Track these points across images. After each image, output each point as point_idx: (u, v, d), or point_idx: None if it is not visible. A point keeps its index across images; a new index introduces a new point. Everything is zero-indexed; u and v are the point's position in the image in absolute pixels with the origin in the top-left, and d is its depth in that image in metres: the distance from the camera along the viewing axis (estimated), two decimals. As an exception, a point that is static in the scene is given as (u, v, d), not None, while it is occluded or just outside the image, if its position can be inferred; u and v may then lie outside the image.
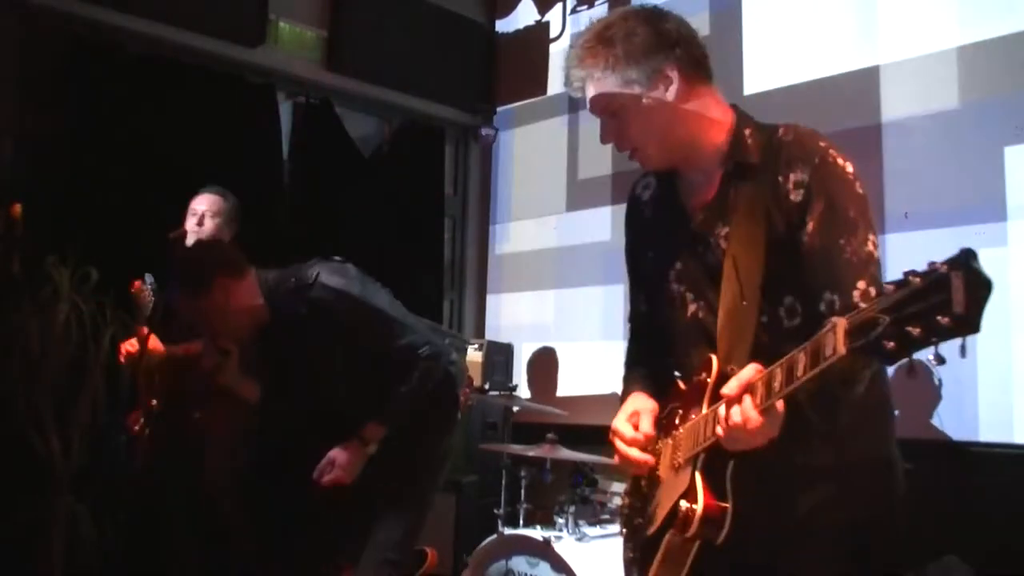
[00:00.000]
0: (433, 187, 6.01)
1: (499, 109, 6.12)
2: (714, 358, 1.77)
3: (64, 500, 3.94)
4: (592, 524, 3.96)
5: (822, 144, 1.77)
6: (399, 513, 3.03)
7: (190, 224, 3.92)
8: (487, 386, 4.88)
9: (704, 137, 1.85)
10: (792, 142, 1.79)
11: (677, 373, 1.93)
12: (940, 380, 3.79)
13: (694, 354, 1.86)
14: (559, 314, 5.52)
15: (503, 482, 4.07)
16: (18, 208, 4.18)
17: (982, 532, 3.51)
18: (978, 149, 3.84)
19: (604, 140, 1.92)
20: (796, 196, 1.74)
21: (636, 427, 1.90)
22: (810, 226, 1.72)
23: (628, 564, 1.97)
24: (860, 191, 1.74)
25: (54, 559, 3.91)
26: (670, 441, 1.84)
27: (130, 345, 3.54)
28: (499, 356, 5.16)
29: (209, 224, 3.91)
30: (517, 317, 5.76)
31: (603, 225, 5.28)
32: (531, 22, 5.99)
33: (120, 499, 4.12)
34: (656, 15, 1.86)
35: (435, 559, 4.33)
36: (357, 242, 5.24)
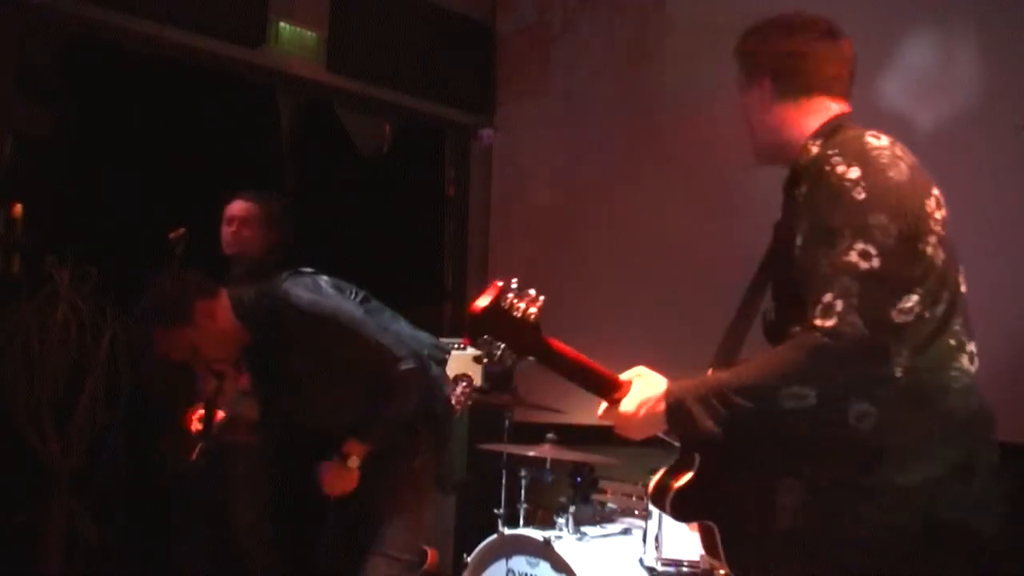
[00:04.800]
0: (433, 187, 6.00)
1: (499, 109, 6.11)
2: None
3: (63, 500, 3.95)
4: (592, 524, 3.96)
5: (829, 152, 1.78)
6: (404, 515, 3.02)
7: (226, 232, 3.95)
8: (487, 386, 4.87)
9: (788, 147, 1.94)
10: (813, 156, 1.84)
11: None
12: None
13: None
14: (560, 314, 5.50)
15: (503, 482, 4.07)
16: (18, 208, 4.19)
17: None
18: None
19: None
20: (801, 210, 1.79)
21: None
22: (798, 239, 1.77)
23: None
24: (859, 196, 1.70)
25: (54, 559, 3.91)
26: None
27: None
28: (499, 356, 5.15)
29: (245, 232, 3.93)
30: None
31: (605, 224, 5.28)
32: (531, 22, 5.98)
33: (120, 499, 4.13)
34: (771, 30, 1.99)
35: (435, 559, 4.33)
36: (357, 243, 5.24)
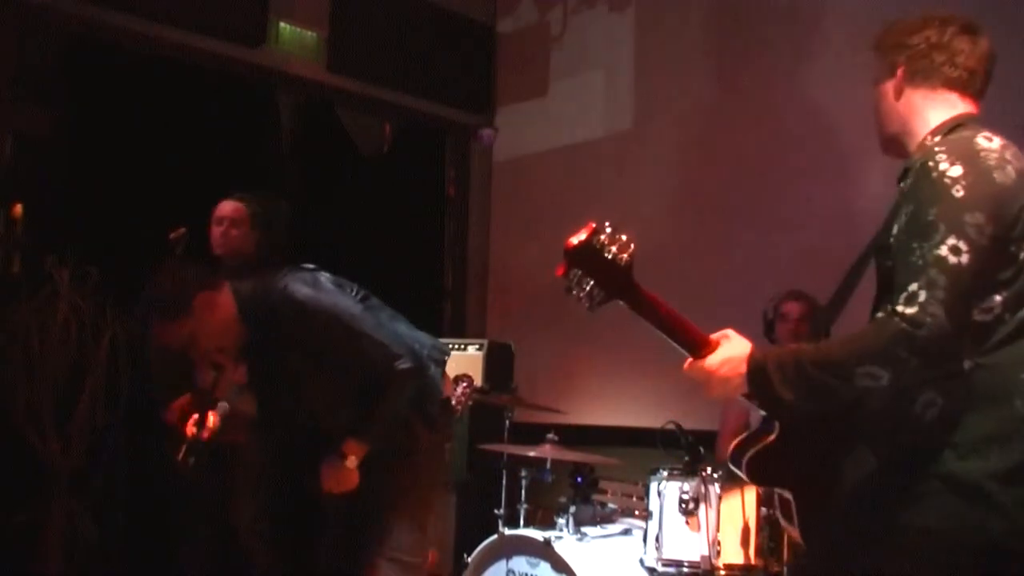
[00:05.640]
0: (433, 187, 6.00)
1: (499, 109, 6.11)
2: None
3: (63, 500, 3.95)
4: (592, 524, 3.96)
5: (936, 149, 1.84)
6: (406, 516, 3.02)
7: (216, 232, 3.94)
8: (487, 386, 4.87)
9: (911, 138, 1.98)
10: (924, 150, 1.88)
11: None
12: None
13: None
14: (559, 314, 5.50)
15: (503, 482, 4.07)
16: (18, 208, 4.19)
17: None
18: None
19: None
20: (902, 200, 1.85)
21: None
22: (895, 229, 1.83)
23: None
24: (958, 194, 1.75)
25: (54, 559, 3.91)
26: None
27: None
28: (499, 356, 5.15)
29: (234, 232, 3.94)
30: (517, 317, 5.76)
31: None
32: (531, 22, 5.98)
33: (120, 499, 4.13)
34: (912, 22, 2.03)
35: (435, 559, 4.33)
36: (357, 243, 5.24)
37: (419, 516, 3.08)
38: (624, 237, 1.85)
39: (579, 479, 4.01)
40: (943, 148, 1.82)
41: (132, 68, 4.62)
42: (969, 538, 1.73)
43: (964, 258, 1.70)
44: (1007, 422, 1.75)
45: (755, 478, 2.06)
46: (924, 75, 1.97)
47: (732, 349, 1.89)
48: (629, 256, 1.85)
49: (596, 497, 4.09)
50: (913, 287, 1.70)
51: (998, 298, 1.77)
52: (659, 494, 3.61)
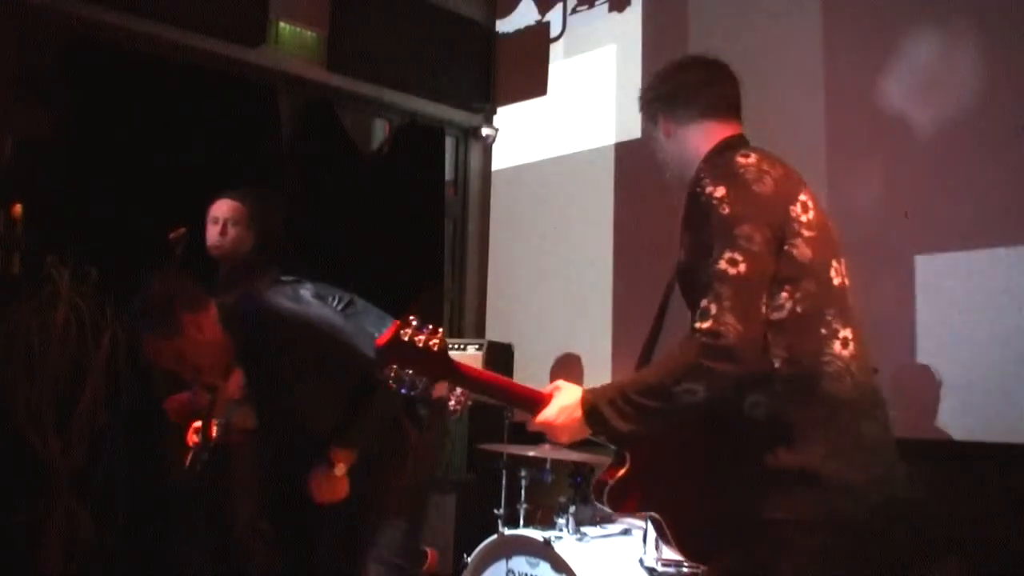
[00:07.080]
0: (433, 187, 6.00)
1: (499, 109, 6.12)
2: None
3: (63, 500, 3.94)
4: (592, 524, 3.96)
5: (701, 175, 2.01)
6: (398, 517, 3.03)
7: (212, 232, 3.86)
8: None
9: (689, 171, 2.13)
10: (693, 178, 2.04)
11: None
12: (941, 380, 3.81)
13: None
14: (559, 315, 5.51)
15: (503, 482, 4.07)
16: (18, 208, 4.19)
17: (982, 532, 3.52)
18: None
19: None
20: (682, 227, 2.03)
21: None
22: (681, 253, 2.02)
23: None
24: (724, 212, 1.91)
25: (54, 559, 3.91)
26: None
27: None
28: (499, 356, 5.16)
29: (232, 232, 3.86)
30: (517, 318, 5.76)
31: (604, 226, 5.29)
32: (531, 22, 5.98)
33: (120, 499, 4.12)
34: (656, 75, 2.26)
35: (435, 559, 4.33)
36: (357, 243, 5.24)
37: (415, 516, 3.09)
38: (431, 326, 1.98)
39: (579, 479, 4.01)
40: (706, 173, 2.00)
41: (132, 68, 4.62)
42: (826, 521, 1.84)
43: (742, 267, 1.86)
44: (820, 407, 1.88)
45: (619, 508, 2.15)
46: (681, 113, 2.17)
47: (564, 398, 2.00)
48: (440, 341, 1.97)
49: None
50: (704, 303, 1.85)
51: (784, 295, 1.91)
52: (659, 494, 3.61)
